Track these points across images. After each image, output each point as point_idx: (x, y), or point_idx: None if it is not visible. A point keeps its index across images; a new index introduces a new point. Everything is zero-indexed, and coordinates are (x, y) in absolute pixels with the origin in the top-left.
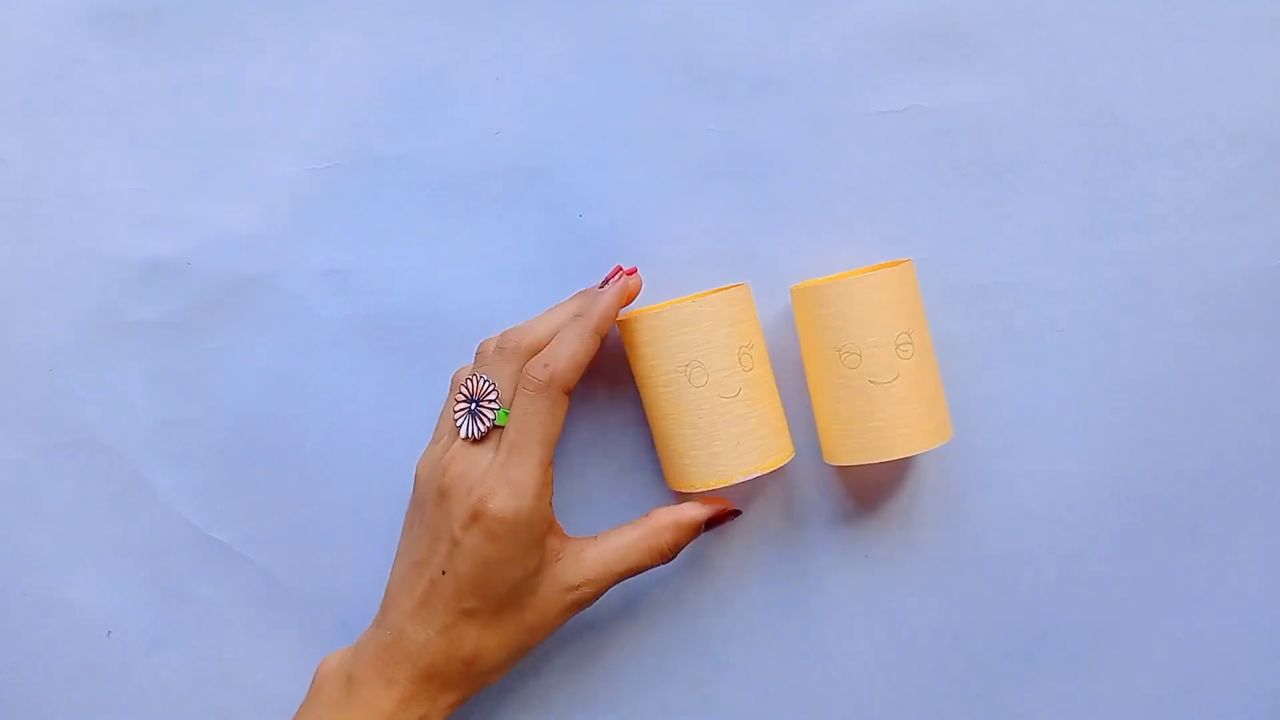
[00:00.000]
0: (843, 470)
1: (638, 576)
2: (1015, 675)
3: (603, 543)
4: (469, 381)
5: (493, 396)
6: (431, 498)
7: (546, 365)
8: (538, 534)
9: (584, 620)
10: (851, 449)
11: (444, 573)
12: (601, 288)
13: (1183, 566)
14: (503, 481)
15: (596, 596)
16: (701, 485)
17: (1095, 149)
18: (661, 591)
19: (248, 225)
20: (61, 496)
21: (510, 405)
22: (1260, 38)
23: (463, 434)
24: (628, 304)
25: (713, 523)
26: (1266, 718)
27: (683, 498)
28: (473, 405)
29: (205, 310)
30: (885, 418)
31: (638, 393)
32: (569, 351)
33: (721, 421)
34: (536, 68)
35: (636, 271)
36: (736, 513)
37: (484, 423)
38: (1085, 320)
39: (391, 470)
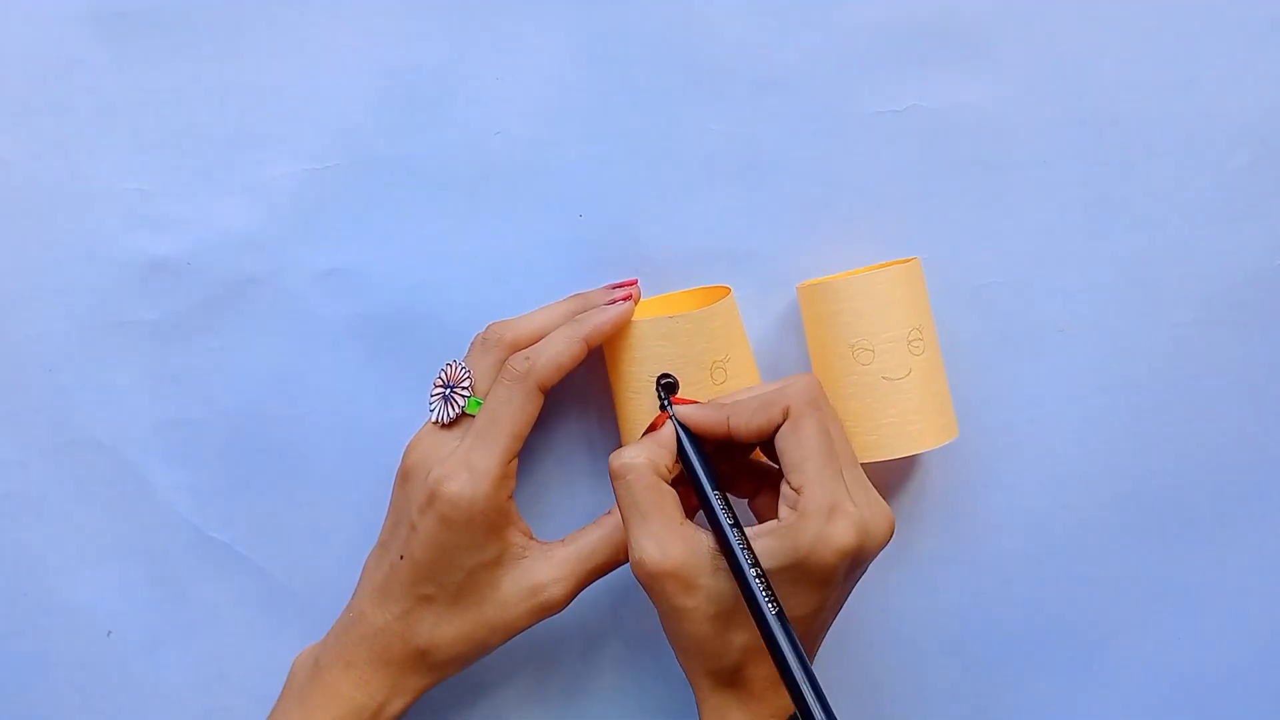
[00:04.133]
0: None
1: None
2: (1015, 675)
3: (570, 542)
4: (447, 367)
5: (466, 384)
6: (396, 480)
7: (528, 359)
8: (494, 523)
9: (577, 623)
10: (864, 446)
11: (402, 557)
12: (609, 292)
13: (1183, 566)
14: (463, 466)
15: (566, 599)
16: None
17: (1095, 149)
18: None
19: (248, 225)
20: (61, 496)
21: (484, 395)
22: (1260, 38)
23: (433, 418)
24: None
25: None
26: (1266, 718)
27: None
28: (447, 391)
29: (205, 310)
30: (898, 414)
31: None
32: (554, 350)
33: None
34: (536, 68)
35: (636, 282)
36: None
37: (454, 408)
38: (1085, 320)
39: (391, 470)
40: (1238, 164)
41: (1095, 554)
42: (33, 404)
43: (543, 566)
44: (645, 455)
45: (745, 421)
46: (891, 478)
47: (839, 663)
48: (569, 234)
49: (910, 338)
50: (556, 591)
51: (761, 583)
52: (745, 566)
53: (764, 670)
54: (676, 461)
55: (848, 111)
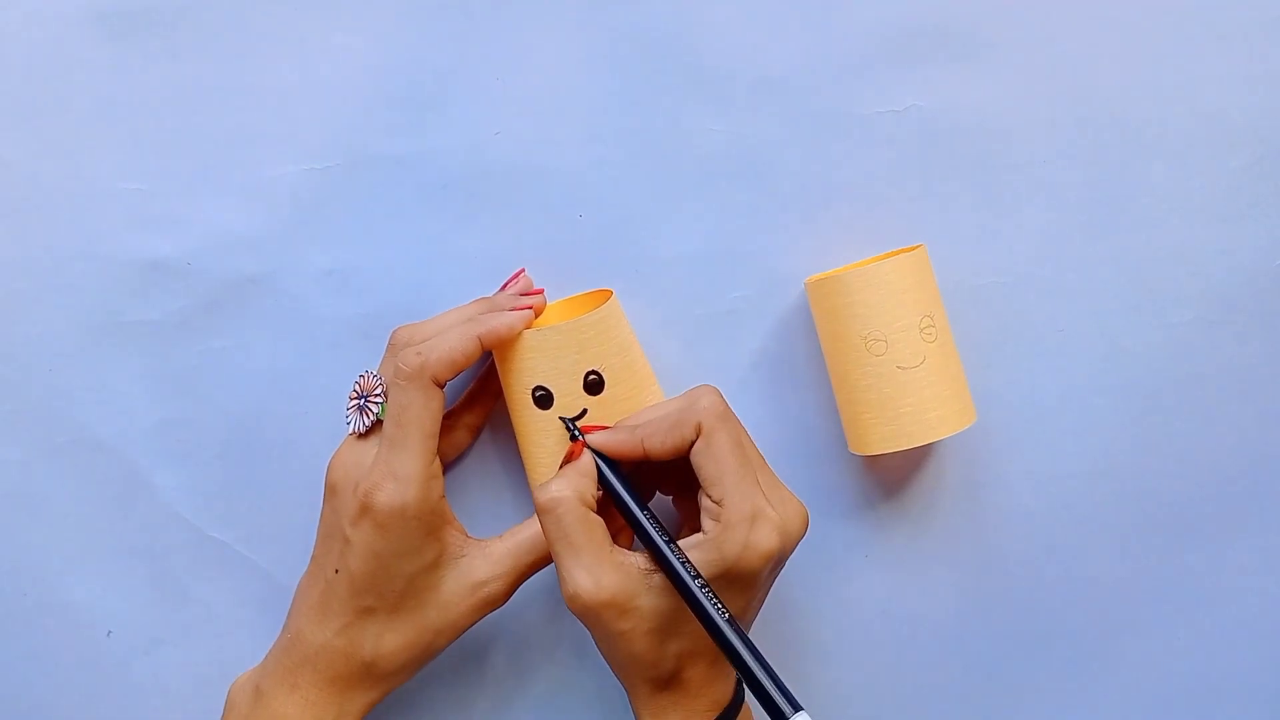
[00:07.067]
0: (838, 470)
1: None
2: (1016, 675)
3: (509, 538)
4: (361, 377)
5: (379, 392)
6: (324, 495)
7: (419, 354)
8: (429, 525)
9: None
10: (883, 437)
11: (337, 571)
12: (514, 299)
13: (1183, 566)
14: (386, 475)
15: (507, 593)
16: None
17: (1095, 149)
18: None
19: (248, 225)
20: (61, 496)
21: None
22: (1260, 38)
23: (350, 429)
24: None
25: None
26: (1266, 718)
27: None
28: (361, 401)
29: (205, 310)
30: (915, 402)
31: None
32: (446, 345)
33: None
34: (536, 68)
35: (543, 292)
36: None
37: (369, 417)
38: (1085, 320)
39: None
40: (1238, 164)
41: (1095, 554)
42: (33, 404)
43: (482, 564)
44: (572, 487)
45: (660, 442)
46: (888, 477)
47: (839, 663)
48: (569, 234)
49: (922, 325)
50: (497, 587)
51: (708, 592)
52: (689, 580)
53: (699, 670)
54: (599, 487)
55: (848, 111)
